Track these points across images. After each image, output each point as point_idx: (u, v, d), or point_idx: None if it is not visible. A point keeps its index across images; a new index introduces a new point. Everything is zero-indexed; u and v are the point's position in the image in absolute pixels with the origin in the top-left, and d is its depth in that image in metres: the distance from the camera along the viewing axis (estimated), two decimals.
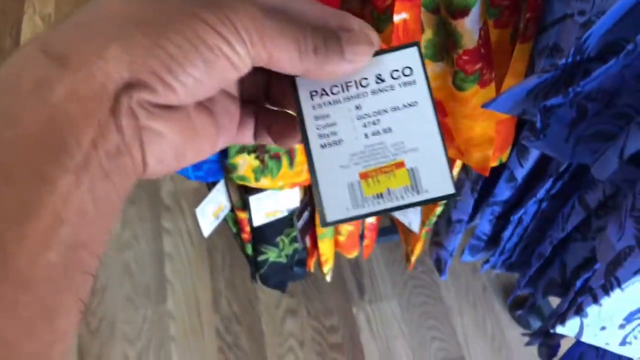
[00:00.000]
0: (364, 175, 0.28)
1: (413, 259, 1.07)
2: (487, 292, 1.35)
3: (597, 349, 0.75)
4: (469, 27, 0.50)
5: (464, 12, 0.49)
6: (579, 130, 0.48)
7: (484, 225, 0.92)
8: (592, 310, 0.41)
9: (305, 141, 0.28)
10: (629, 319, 0.41)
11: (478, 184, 0.78)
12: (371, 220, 1.07)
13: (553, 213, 0.82)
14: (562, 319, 0.42)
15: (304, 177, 0.72)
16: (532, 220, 0.85)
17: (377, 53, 0.28)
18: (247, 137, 0.32)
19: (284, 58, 0.25)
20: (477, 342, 1.28)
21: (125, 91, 0.22)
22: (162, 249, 1.41)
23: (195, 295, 1.35)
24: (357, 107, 0.28)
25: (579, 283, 0.76)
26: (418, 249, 1.04)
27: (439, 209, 0.93)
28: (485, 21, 0.51)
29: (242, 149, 0.64)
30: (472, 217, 0.94)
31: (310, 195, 0.88)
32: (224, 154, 0.65)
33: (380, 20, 0.52)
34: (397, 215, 1.00)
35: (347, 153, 0.28)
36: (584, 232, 0.77)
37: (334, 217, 0.28)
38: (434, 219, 0.96)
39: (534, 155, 0.71)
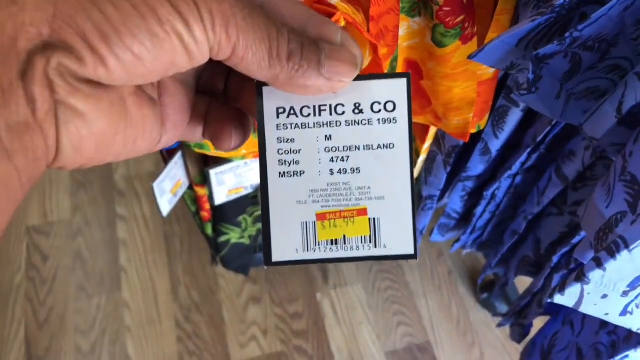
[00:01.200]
0: (321, 216, 0.25)
1: None
2: (452, 276, 1.33)
3: (572, 327, 0.73)
4: None
5: None
6: (571, 85, 0.44)
7: (454, 202, 0.89)
8: (595, 275, 0.38)
9: (262, 164, 0.25)
10: (633, 285, 0.38)
11: (451, 157, 0.75)
12: None
13: (527, 188, 0.79)
14: (561, 287, 0.39)
15: None
16: (505, 195, 0.83)
17: (360, 77, 0.24)
18: (197, 135, 0.27)
19: (250, 57, 0.21)
20: (443, 327, 1.27)
21: (42, 52, 0.17)
22: (116, 236, 1.35)
23: (152, 283, 1.29)
24: (327, 138, 0.24)
25: (555, 259, 0.74)
26: None
27: None
28: None
29: None
30: (443, 194, 0.90)
31: None
32: None
33: None
34: None
35: (307, 187, 0.25)
36: (559, 206, 0.75)
37: (280, 257, 0.25)
38: None
39: (510, 124, 0.68)
